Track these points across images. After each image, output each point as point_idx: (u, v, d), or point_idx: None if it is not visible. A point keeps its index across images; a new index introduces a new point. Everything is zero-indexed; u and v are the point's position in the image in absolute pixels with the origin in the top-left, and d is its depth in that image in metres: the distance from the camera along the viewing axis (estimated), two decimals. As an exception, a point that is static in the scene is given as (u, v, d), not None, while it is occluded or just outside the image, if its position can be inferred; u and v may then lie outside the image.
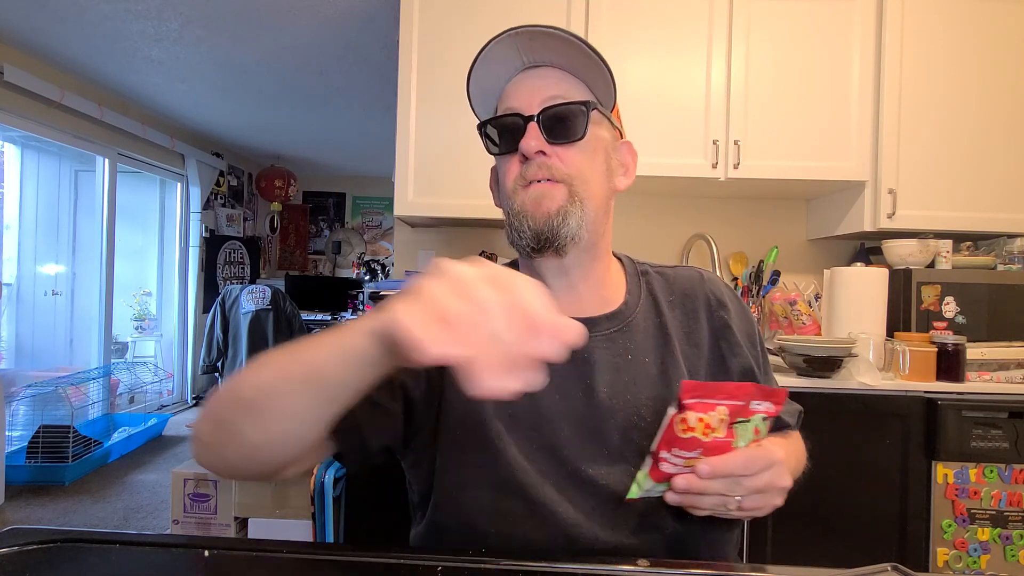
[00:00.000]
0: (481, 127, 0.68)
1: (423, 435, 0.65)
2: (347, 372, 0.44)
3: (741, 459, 0.53)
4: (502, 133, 0.66)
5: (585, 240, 0.63)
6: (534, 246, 0.63)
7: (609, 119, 0.69)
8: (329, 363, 0.44)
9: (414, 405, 0.64)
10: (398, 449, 0.67)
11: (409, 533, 0.76)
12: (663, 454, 0.54)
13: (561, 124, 0.63)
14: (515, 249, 0.67)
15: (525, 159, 0.63)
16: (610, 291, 0.70)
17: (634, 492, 0.57)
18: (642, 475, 0.56)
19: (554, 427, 0.62)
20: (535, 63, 0.66)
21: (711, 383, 0.53)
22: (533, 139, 0.62)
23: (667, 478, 0.55)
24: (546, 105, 0.63)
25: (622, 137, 0.72)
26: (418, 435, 0.65)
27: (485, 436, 0.62)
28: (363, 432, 0.60)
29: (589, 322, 0.65)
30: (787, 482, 0.56)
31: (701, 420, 0.52)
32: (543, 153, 0.63)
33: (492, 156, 0.69)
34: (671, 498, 0.55)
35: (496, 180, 0.71)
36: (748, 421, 0.54)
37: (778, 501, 0.57)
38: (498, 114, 0.67)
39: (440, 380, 0.64)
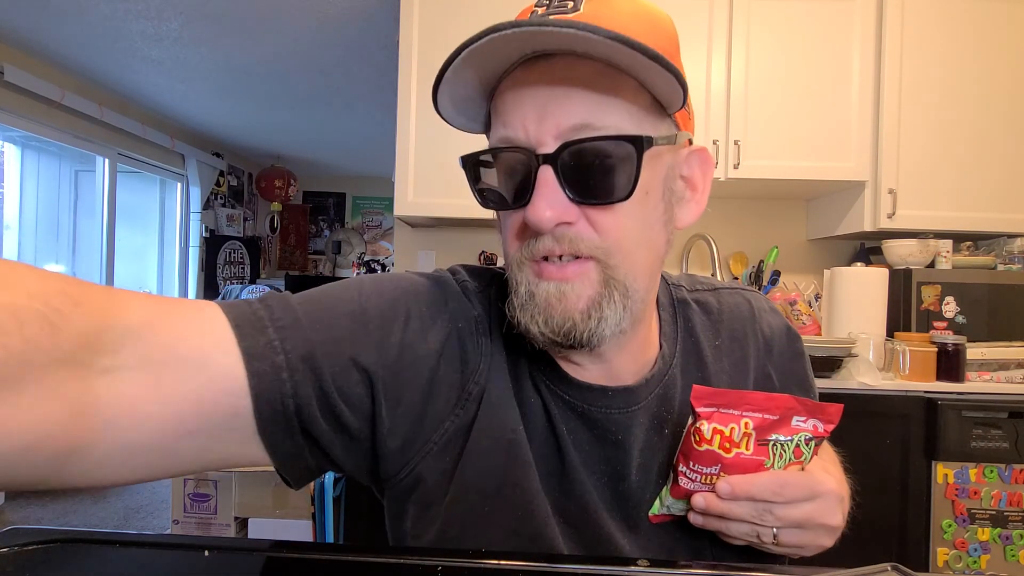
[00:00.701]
0: (465, 162, 0.45)
1: (422, 487, 0.49)
2: None
3: (771, 482, 0.44)
4: (499, 174, 0.44)
5: (628, 329, 0.46)
6: (552, 350, 0.47)
7: (675, 131, 0.45)
8: None
9: (384, 443, 0.46)
10: (359, 476, 0.51)
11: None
12: (682, 468, 0.48)
13: (595, 174, 0.40)
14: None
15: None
16: (649, 348, 0.52)
17: (656, 508, 0.51)
18: (665, 490, 0.50)
19: (579, 513, 0.50)
20: (545, 49, 0.40)
21: (733, 391, 0.45)
22: (547, 207, 0.40)
23: (687, 495, 0.48)
24: (569, 140, 0.40)
25: (691, 142, 0.48)
26: (405, 483, 0.49)
27: (528, 512, 0.48)
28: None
29: (627, 393, 0.50)
30: (836, 520, 0.46)
31: (718, 432, 0.45)
32: (567, 223, 0.41)
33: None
34: (694, 519, 0.47)
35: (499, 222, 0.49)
36: (789, 440, 0.46)
37: (826, 542, 0.47)
38: (491, 146, 0.44)
39: (464, 436, 0.48)
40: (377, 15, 2.39)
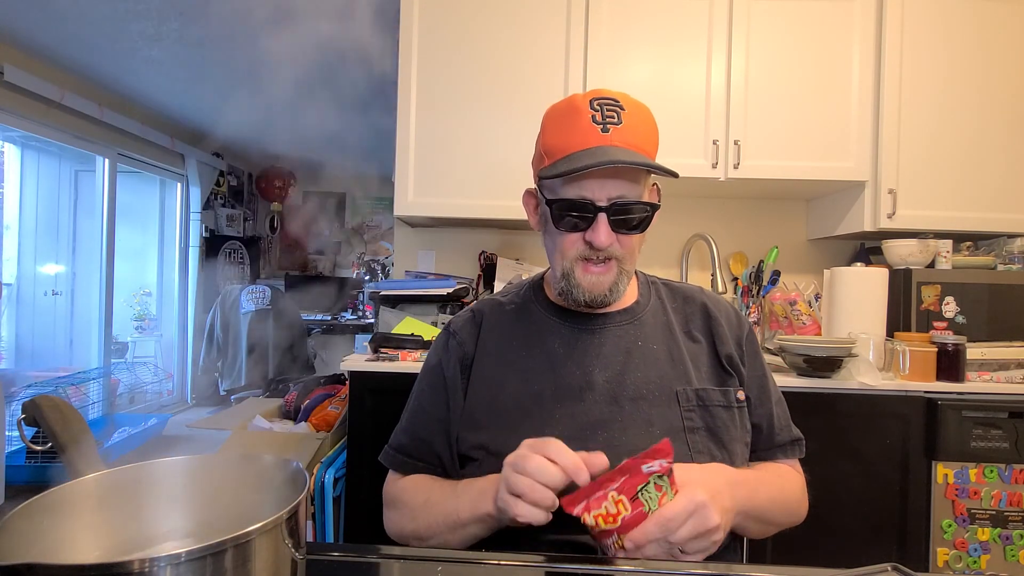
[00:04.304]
0: (552, 203, 0.76)
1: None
2: (477, 526, 0.69)
3: (655, 526, 0.58)
4: (570, 211, 0.74)
5: (624, 291, 0.79)
6: (584, 309, 0.80)
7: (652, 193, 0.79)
8: (468, 522, 0.69)
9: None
10: None
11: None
12: (601, 544, 0.61)
13: (627, 219, 0.74)
14: (558, 294, 0.81)
15: (590, 243, 0.73)
16: (626, 296, 0.84)
17: None
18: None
19: (575, 397, 0.75)
20: (610, 156, 0.71)
21: (589, 484, 0.59)
22: (604, 234, 0.72)
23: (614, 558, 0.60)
24: (615, 201, 0.72)
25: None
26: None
27: (513, 412, 0.75)
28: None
29: (606, 315, 0.82)
30: (713, 522, 0.59)
31: (598, 517, 0.58)
32: (608, 244, 0.74)
33: (555, 228, 0.78)
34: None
35: (535, 209, 0.83)
36: (648, 484, 0.59)
37: (717, 538, 0.60)
38: (569, 198, 0.74)
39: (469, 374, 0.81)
40: (377, 15, 2.39)
